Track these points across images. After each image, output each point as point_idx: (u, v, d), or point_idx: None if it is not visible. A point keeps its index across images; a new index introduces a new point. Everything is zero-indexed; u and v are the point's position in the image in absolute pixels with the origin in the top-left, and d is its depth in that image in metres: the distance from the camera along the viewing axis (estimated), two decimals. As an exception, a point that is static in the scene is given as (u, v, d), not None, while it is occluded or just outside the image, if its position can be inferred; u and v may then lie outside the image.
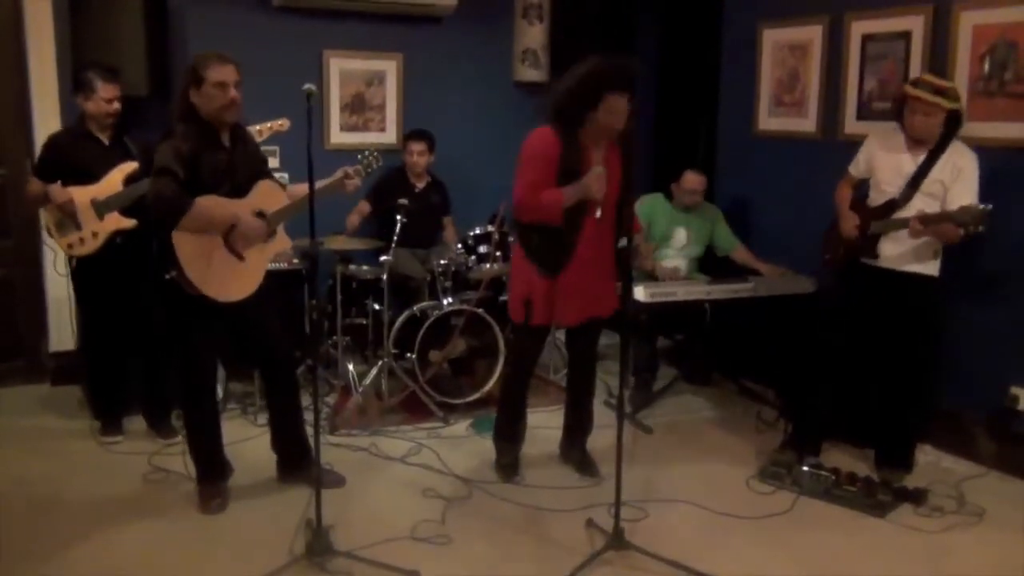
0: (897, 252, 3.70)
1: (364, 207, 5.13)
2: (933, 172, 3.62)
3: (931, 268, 3.70)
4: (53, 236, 4.00)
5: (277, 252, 3.58)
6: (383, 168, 5.28)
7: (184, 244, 3.24)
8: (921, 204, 3.63)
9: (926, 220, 3.53)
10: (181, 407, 3.61)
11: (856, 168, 3.93)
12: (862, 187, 3.93)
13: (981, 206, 3.44)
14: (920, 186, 3.64)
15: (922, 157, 3.65)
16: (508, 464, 3.89)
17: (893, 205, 3.70)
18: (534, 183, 3.43)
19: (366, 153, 3.65)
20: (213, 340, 3.48)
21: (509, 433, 3.92)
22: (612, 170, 3.52)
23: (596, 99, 3.34)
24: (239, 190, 3.36)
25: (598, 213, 3.49)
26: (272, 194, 3.48)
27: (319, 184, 3.31)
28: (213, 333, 3.45)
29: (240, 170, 3.37)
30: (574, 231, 3.52)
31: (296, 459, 3.73)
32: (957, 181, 3.58)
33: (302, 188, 3.38)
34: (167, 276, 3.27)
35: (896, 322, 3.74)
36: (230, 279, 3.36)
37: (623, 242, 3.57)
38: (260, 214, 3.39)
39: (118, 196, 3.92)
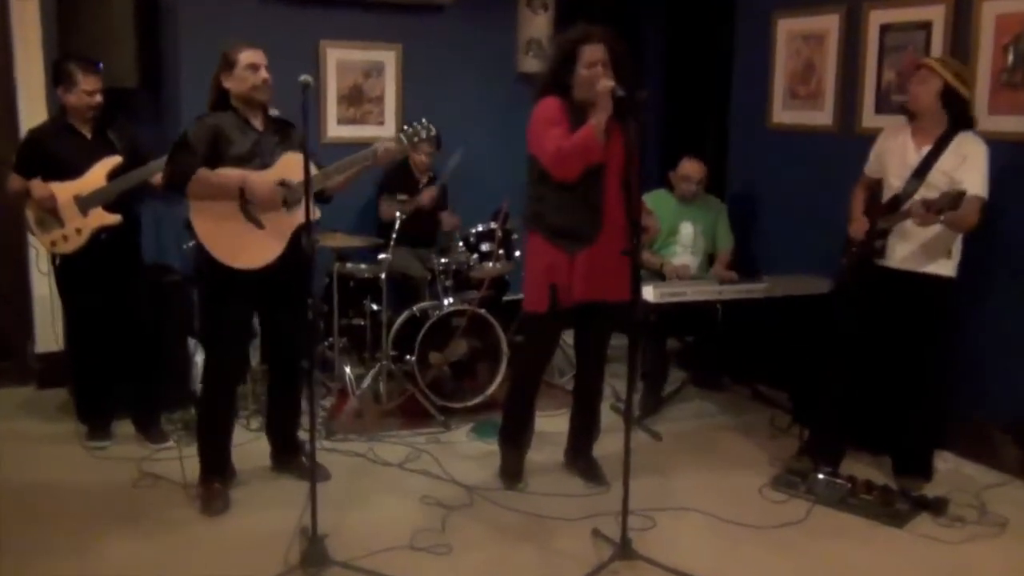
0: (907, 252, 3.64)
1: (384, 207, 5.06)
2: (938, 163, 3.56)
3: (946, 268, 3.63)
4: (35, 234, 3.97)
5: (302, 223, 3.56)
6: (388, 162, 5.22)
7: (200, 213, 3.39)
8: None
9: (929, 205, 3.43)
10: (200, 397, 3.66)
11: (870, 168, 3.89)
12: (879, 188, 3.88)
13: (955, 190, 3.37)
14: (925, 179, 3.57)
15: (927, 148, 3.60)
16: (513, 471, 3.84)
17: (898, 201, 3.65)
18: (561, 134, 3.46)
19: (416, 124, 3.67)
20: (243, 328, 3.57)
21: (516, 438, 3.87)
22: (614, 145, 3.49)
23: (573, 55, 3.50)
24: (264, 165, 3.47)
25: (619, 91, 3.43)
26: (298, 164, 3.49)
27: (348, 158, 3.54)
28: (243, 320, 3.54)
29: (269, 148, 3.48)
30: (599, 194, 3.53)
31: (289, 453, 3.85)
32: (961, 169, 3.51)
33: (338, 162, 3.55)
34: (184, 246, 3.43)
35: (909, 325, 3.69)
36: (248, 245, 3.43)
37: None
38: (283, 183, 3.44)
39: (102, 191, 3.87)
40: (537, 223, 3.60)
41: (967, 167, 3.50)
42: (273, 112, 3.54)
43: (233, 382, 3.65)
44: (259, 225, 3.43)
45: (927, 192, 3.56)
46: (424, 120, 3.65)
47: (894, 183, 3.70)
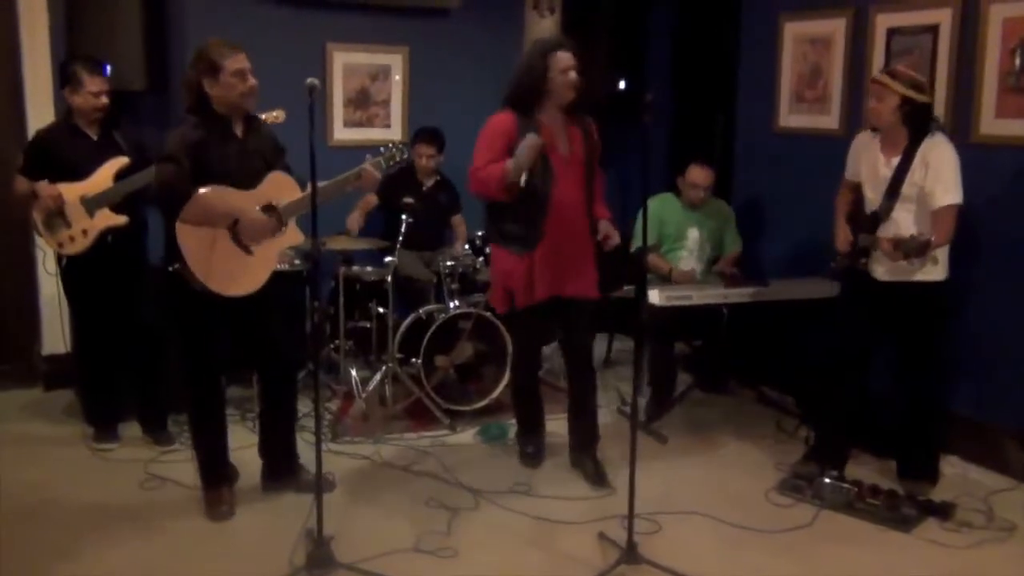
0: (888, 268, 3.59)
1: (372, 199, 5.04)
2: (908, 176, 3.52)
3: (934, 273, 3.58)
4: (42, 235, 3.95)
5: (288, 246, 3.55)
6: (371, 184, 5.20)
7: (188, 235, 3.23)
8: (903, 213, 3.54)
9: (896, 244, 3.38)
10: (186, 408, 3.60)
11: (849, 172, 3.86)
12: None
13: (922, 237, 3.30)
14: (899, 194, 3.54)
15: (896, 160, 3.56)
16: (534, 452, 3.98)
17: (877, 218, 3.62)
18: (490, 158, 3.63)
19: (390, 145, 3.66)
20: (219, 337, 3.45)
21: (530, 424, 4.01)
22: (575, 147, 3.71)
23: (544, 63, 3.62)
24: (250, 180, 3.35)
25: (523, 180, 3.59)
26: (284, 186, 3.44)
27: (334, 180, 3.42)
28: (218, 329, 3.42)
29: (252, 161, 3.37)
30: (544, 204, 3.66)
31: (283, 467, 3.69)
32: (928, 179, 3.48)
33: (323, 184, 3.41)
34: (170, 268, 3.26)
35: (907, 329, 3.67)
36: (236, 273, 3.33)
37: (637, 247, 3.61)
38: (270, 207, 3.36)
39: (108, 192, 3.86)
40: (491, 229, 3.79)
41: (932, 177, 3.47)
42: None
43: (219, 391, 3.57)
44: (248, 251, 3.35)
45: (903, 206, 3.54)
46: (401, 144, 3.68)
47: (870, 195, 3.68)
